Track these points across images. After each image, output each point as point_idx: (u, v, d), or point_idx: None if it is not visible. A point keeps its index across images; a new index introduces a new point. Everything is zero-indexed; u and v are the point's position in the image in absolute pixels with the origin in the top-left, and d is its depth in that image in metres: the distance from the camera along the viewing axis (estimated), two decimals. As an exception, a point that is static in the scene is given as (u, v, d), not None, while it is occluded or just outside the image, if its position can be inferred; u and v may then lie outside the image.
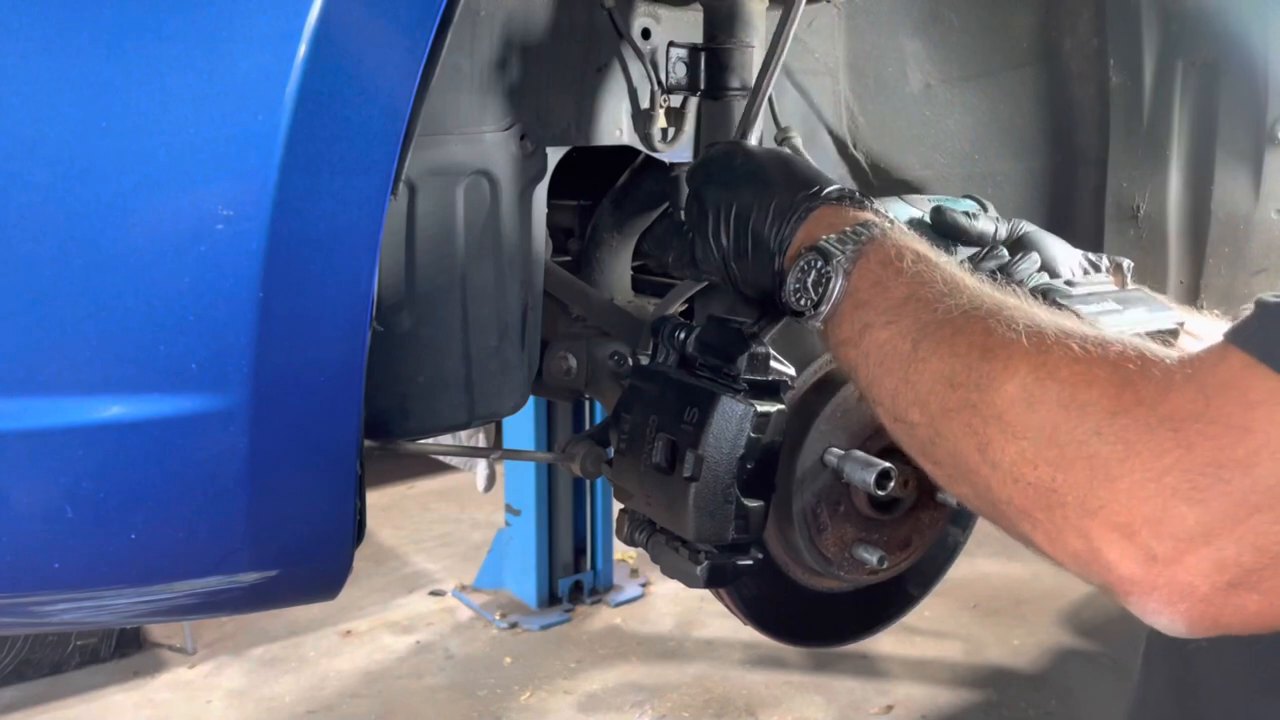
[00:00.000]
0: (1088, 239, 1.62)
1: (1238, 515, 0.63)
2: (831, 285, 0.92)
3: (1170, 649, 0.84)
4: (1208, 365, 0.67)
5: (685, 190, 1.40)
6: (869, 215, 0.97)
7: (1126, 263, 1.26)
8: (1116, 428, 0.68)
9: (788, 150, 1.12)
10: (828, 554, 1.16)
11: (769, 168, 1.04)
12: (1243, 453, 0.63)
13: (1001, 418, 0.74)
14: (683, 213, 1.12)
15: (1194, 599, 0.66)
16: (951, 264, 0.90)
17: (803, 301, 0.94)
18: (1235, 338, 0.66)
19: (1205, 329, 1.18)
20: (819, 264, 0.93)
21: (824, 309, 0.93)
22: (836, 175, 1.62)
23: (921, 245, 0.93)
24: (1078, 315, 0.85)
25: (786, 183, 1.01)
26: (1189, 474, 0.65)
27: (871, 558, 1.16)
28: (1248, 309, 0.69)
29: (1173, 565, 0.66)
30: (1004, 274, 1.17)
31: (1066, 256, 1.25)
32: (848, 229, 0.94)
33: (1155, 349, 0.72)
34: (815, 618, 1.30)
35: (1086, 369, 0.71)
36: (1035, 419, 0.72)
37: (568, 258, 1.65)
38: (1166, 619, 0.68)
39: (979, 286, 0.86)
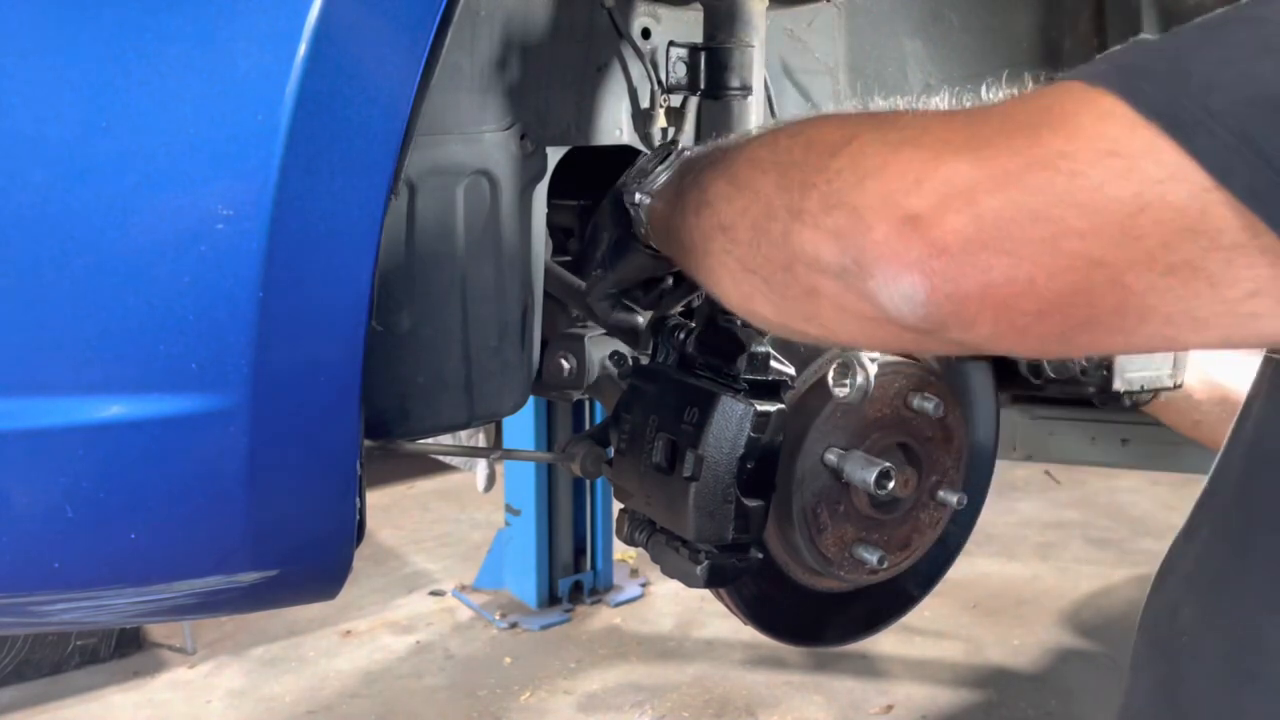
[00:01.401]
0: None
1: (1012, 168, 0.61)
2: (669, 160, 1.00)
3: (1156, 650, 0.83)
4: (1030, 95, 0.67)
5: None
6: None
7: None
8: (924, 138, 0.67)
9: None
10: (828, 554, 1.16)
11: None
12: (1039, 125, 0.62)
13: (825, 170, 0.71)
14: None
15: (944, 256, 0.62)
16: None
17: (636, 180, 1.02)
18: (1080, 72, 0.65)
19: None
20: (659, 156, 1.02)
21: (660, 173, 1.00)
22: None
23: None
24: None
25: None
26: (979, 140, 0.64)
27: (871, 557, 1.16)
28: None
29: (929, 220, 0.63)
30: None
31: None
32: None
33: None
34: (815, 617, 1.30)
35: (894, 123, 0.71)
36: (850, 152, 0.70)
37: (568, 258, 1.65)
38: (909, 282, 0.64)
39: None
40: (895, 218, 0.65)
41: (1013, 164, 0.62)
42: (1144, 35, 0.62)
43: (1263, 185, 0.55)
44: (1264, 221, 0.56)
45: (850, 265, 0.68)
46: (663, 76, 1.30)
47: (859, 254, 0.67)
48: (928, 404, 1.17)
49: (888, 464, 1.07)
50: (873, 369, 1.07)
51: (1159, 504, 5.56)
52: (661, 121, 1.36)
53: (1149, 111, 0.58)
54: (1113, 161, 0.59)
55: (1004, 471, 5.41)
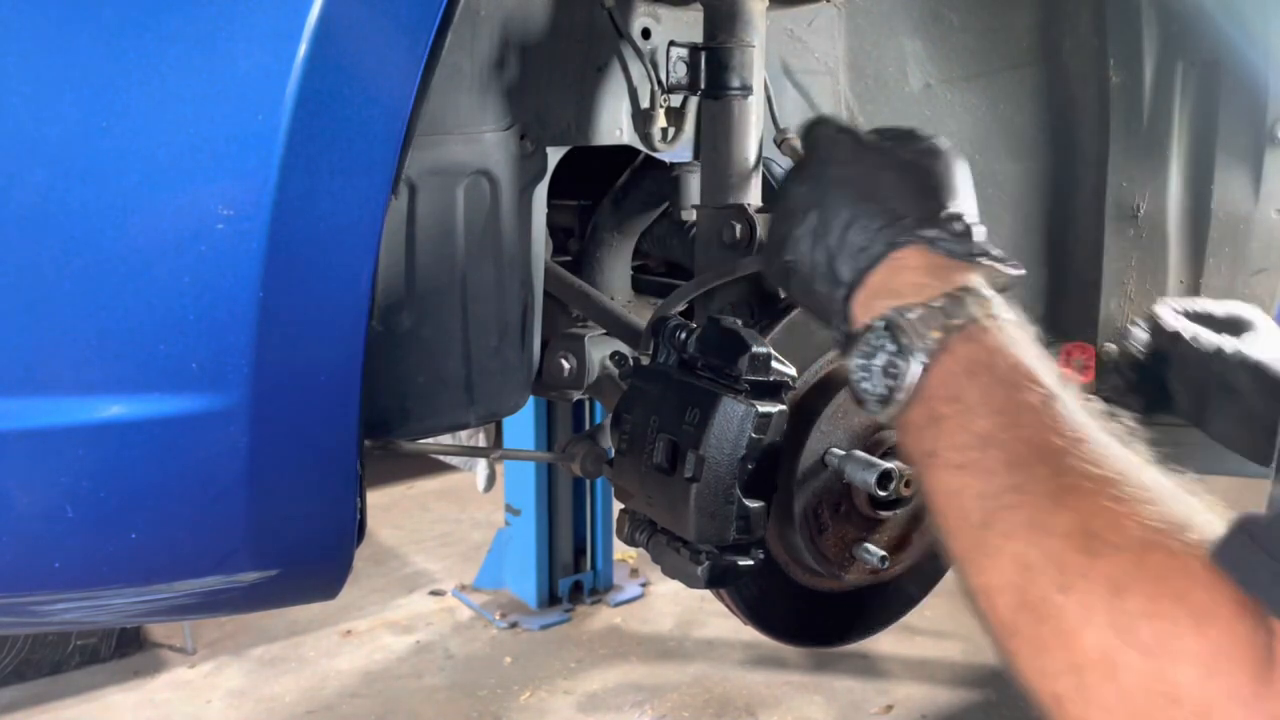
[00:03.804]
0: (1088, 239, 1.62)
1: None
2: (900, 381, 0.76)
3: None
4: (1257, 623, 0.59)
5: (690, 188, 1.41)
6: (969, 278, 0.79)
7: None
8: (1164, 656, 0.60)
9: (927, 147, 0.90)
10: (829, 554, 1.16)
11: (877, 170, 0.87)
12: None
13: (1081, 676, 0.64)
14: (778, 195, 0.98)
15: None
16: (1056, 383, 0.74)
17: (865, 388, 0.80)
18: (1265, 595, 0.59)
19: None
20: (889, 347, 0.78)
21: (892, 410, 0.78)
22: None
23: (1025, 347, 0.76)
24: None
25: (887, 196, 0.84)
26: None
27: (873, 558, 1.16)
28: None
29: None
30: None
31: None
32: (936, 300, 0.77)
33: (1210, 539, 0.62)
34: (816, 618, 1.29)
35: (1171, 634, 0.61)
36: (1117, 691, 0.62)
37: (568, 258, 1.65)
38: None
39: (1077, 427, 0.70)
40: None
41: None
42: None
43: None
44: None
45: None
46: (663, 76, 1.30)
47: None
48: None
49: (889, 465, 1.07)
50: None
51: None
52: (662, 121, 1.36)
53: None
54: None
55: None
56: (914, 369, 0.76)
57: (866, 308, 0.83)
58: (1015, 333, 0.78)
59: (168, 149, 0.80)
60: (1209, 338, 1.19)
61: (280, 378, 0.88)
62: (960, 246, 0.81)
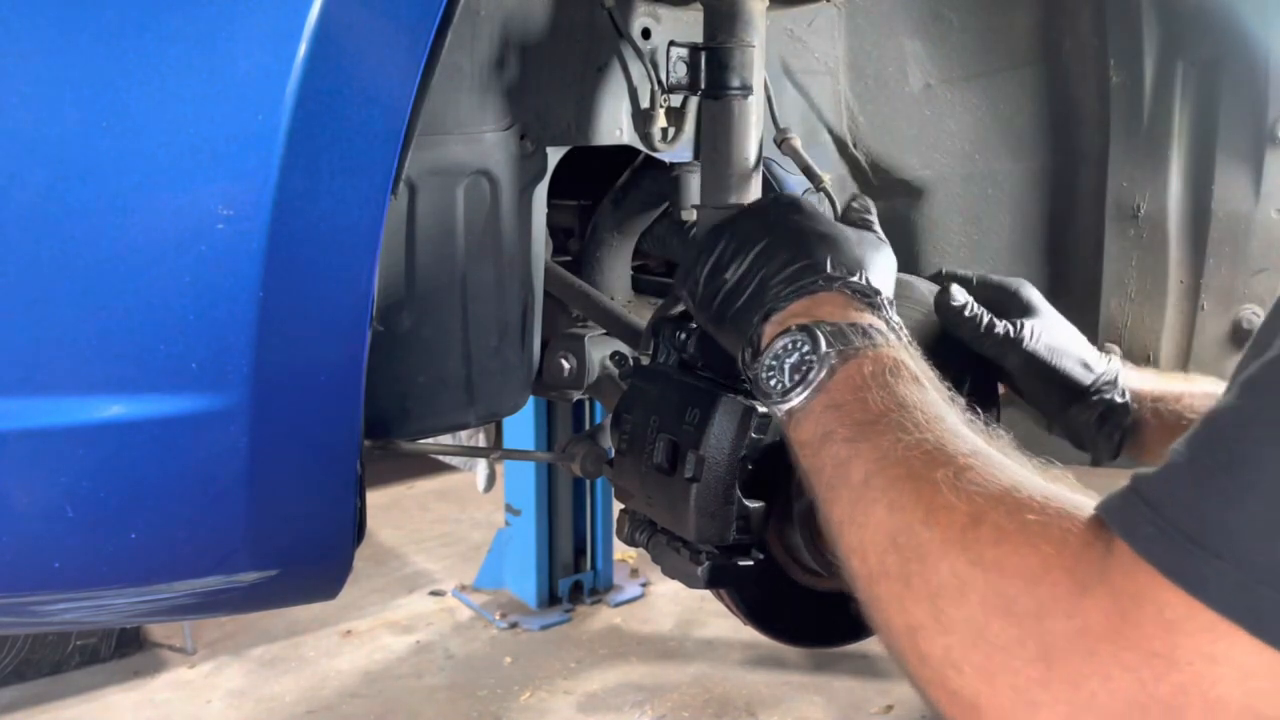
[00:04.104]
0: (1088, 239, 1.62)
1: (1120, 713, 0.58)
2: (811, 376, 0.85)
3: None
4: (1117, 564, 0.61)
5: (690, 188, 1.41)
6: (877, 321, 0.90)
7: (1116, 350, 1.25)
8: (1037, 635, 0.63)
9: (874, 238, 1.05)
10: (828, 554, 1.16)
11: (827, 231, 0.99)
12: (1166, 691, 0.57)
13: (934, 602, 0.69)
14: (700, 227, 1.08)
15: None
16: (943, 394, 0.84)
17: (774, 382, 0.87)
18: (1132, 535, 0.60)
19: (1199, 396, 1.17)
20: (805, 348, 0.86)
21: (794, 399, 0.85)
22: (836, 175, 1.62)
23: (919, 366, 0.86)
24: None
25: (828, 253, 0.95)
26: (1110, 713, 0.59)
27: (872, 558, 1.15)
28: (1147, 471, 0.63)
29: None
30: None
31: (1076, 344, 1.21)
32: (849, 324, 0.88)
33: (1072, 507, 0.67)
34: (816, 618, 1.29)
35: (1012, 552, 0.66)
36: (964, 613, 0.67)
37: (568, 258, 1.65)
38: None
39: (958, 426, 0.79)
40: None
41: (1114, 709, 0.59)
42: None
43: None
44: None
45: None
46: (663, 76, 1.30)
47: None
48: None
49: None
50: None
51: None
52: (662, 121, 1.36)
53: (1226, 610, 0.55)
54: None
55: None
56: (824, 366, 0.85)
57: (780, 325, 0.92)
58: (919, 361, 0.88)
59: (168, 149, 0.80)
60: (985, 316, 1.19)
61: (280, 378, 0.88)
62: (874, 300, 0.93)
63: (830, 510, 0.81)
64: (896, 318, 0.93)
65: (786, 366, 0.87)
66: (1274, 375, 0.57)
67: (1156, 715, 0.58)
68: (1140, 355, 1.61)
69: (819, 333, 0.86)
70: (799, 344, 0.87)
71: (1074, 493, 0.70)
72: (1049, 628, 0.62)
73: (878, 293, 0.94)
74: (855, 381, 0.84)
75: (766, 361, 0.89)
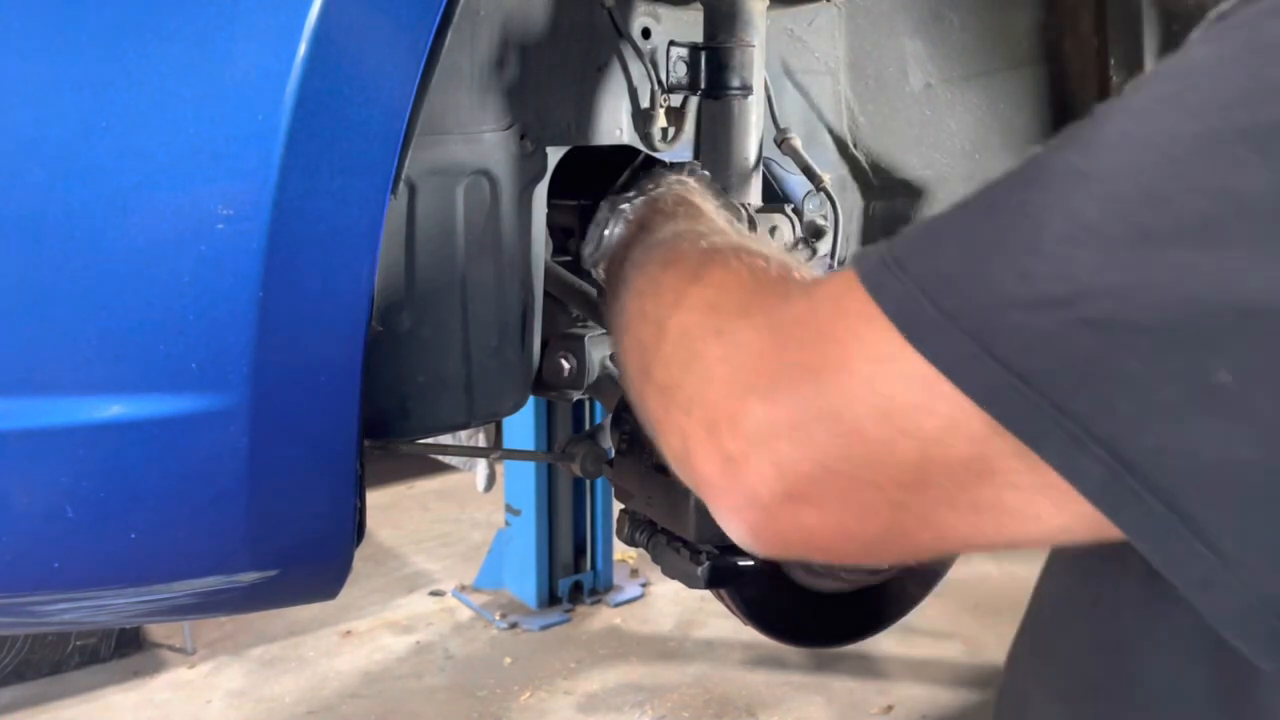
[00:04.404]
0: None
1: (799, 419, 0.60)
2: (610, 228, 1.04)
3: (1018, 650, 0.82)
4: (826, 280, 0.66)
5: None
6: (676, 177, 1.08)
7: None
8: (735, 328, 0.68)
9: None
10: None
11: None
12: (820, 360, 0.60)
13: (662, 324, 0.77)
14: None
15: (758, 506, 0.62)
16: (720, 212, 1.02)
17: (587, 250, 1.06)
18: (854, 259, 0.64)
19: None
20: (606, 216, 1.06)
21: (598, 253, 1.05)
22: (836, 175, 1.62)
23: (698, 196, 1.04)
24: None
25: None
26: (773, 373, 0.63)
27: (873, 558, 1.16)
28: None
29: (741, 467, 0.63)
30: None
31: None
32: (652, 185, 1.06)
33: (803, 267, 0.76)
34: (816, 618, 1.30)
35: (733, 275, 0.74)
36: (679, 320, 0.74)
37: (568, 258, 1.65)
38: (735, 527, 0.65)
39: (735, 231, 0.95)
40: (716, 459, 0.65)
41: (802, 412, 0.61)
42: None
43: (989, 383, 0.53)
44: (1000, 422, 0.53)
45: (689, 480, 0.70)
46: (663, 76, 1.30)
47: (694, 481, 0.69)
48: None
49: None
50: None
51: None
52: (662, 121, 1.36)
53: (900, 323, 0.56)
54: (881, 399, 0.57)
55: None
56: (620, 220, 1.04)
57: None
58: (698, 190, 1.06)
59: (167, 149, 0.80)
60: None
61: (280, 378, 0.88)
62: (688, 168, 1.12)
63: (633, 345, 0.85)
64: (705, 174, 1.12)
65: (593, 234, 1.07)
66: (1037, 160, 0.58)
67: (805, 374, 0.61)
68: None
69: (617, 200, 1.06)
70: (603, 214, 1.07)
71: None
72: (750, 321, 0.68)
73: (693, 168, 1.12)
74: (645, 221, 1.02)
75: (582, 240, 1.08)
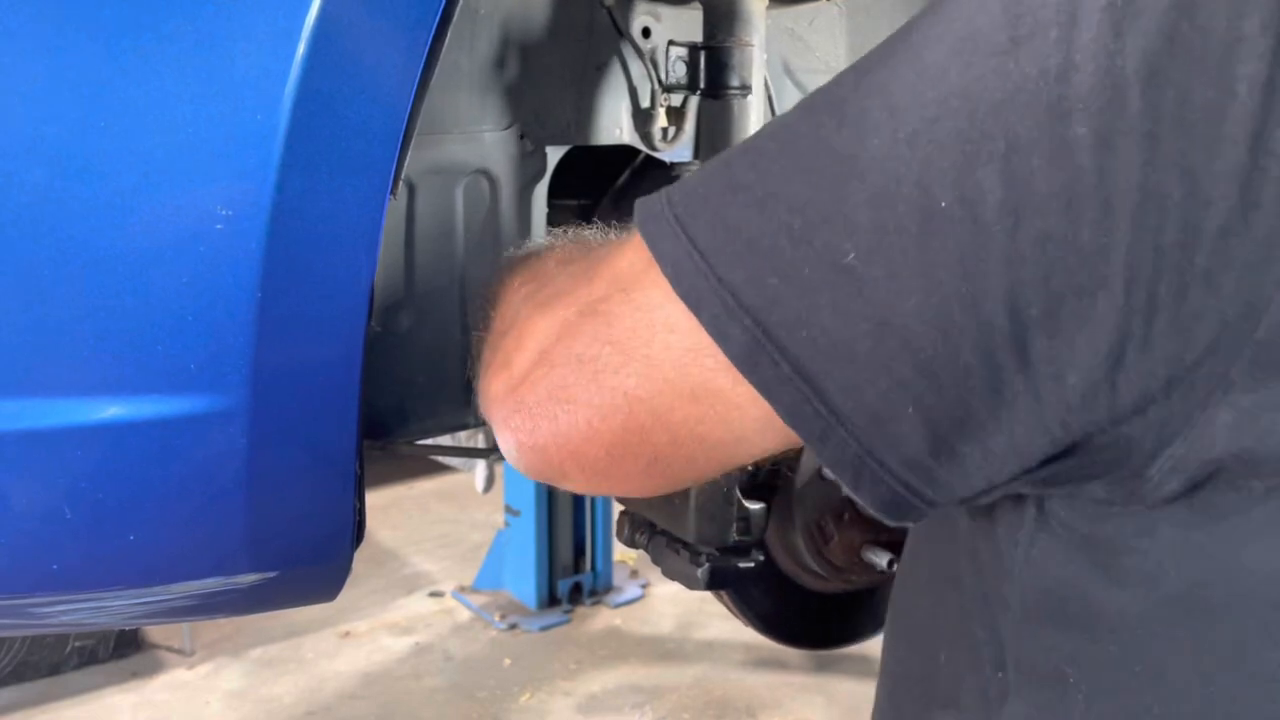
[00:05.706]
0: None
1: (574, 320, 0.65)
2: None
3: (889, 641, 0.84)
4: (624, 243, 0.70)
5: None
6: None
7: None
8: (544, 296, 0.73)
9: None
10: (837, 563, 1.16)
11: None
12: (587, 272, 0.67)
13: (500, 340, 0.80)
14: None
15: (521, 412, 0.67)
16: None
17: None
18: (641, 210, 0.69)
19: None
20: None
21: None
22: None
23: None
24: None
25: None
26: (556, 292, 0.70)
27: (881, 560, 1.16)
28: None
29: (518, 381, 0.69)
30: None
31: None
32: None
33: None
34: (817, 620, 1.29)
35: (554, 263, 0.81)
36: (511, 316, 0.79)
37: (567, 258, 1.65)
38: (503, 438, 0.70)
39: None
40: (507, 378, 0.71)
41: (569, 312, 0.66)
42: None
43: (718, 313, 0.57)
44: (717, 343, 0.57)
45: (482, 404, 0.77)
46: (663, 76, 1.30)
47: (487, 408, 0.75)
48: None
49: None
50: None
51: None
52: (662, 121, 1.35)
53: (660, 258, 0.61)
54: (625, 300, 0.62)
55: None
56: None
57: None
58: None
59: (166, 149, 0.80)
60: None
61: (279, 378, 0.88)
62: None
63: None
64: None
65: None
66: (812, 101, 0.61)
67: (576, 287, 0.67)
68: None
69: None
70: None
71: None
72: (549, 297, 0.72)
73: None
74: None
75: None
